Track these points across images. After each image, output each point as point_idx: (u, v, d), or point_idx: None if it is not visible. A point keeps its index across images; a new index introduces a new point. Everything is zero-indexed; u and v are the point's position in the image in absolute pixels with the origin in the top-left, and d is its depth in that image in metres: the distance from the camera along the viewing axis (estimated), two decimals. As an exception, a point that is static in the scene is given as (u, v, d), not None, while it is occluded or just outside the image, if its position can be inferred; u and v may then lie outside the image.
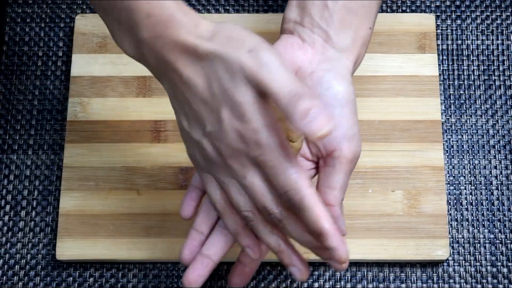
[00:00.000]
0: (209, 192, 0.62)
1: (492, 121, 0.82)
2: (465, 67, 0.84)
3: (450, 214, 0.79)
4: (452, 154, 0.81)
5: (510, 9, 0.86)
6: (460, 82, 0.83)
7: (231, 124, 0.56)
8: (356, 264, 0.77)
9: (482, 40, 0.85)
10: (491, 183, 0.80)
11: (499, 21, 0.85)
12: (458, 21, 0.85)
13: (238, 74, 0.55)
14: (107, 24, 0.60)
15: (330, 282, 0.77)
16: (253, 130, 0.56)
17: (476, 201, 0.79)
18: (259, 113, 0.56)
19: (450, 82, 0.83)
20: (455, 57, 0.84)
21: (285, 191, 0.57)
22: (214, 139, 0.58)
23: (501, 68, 0.84)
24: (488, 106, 0.82)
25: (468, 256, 0.78)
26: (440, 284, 0.77)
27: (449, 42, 0.84)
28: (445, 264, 0.77)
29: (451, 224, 0.79)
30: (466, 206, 0.79)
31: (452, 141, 0.81)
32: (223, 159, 0.58)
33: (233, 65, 0.55)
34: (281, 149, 0.57)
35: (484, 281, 0.77)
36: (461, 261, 0.78)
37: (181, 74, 0.58)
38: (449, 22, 0.85)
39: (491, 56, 0.84)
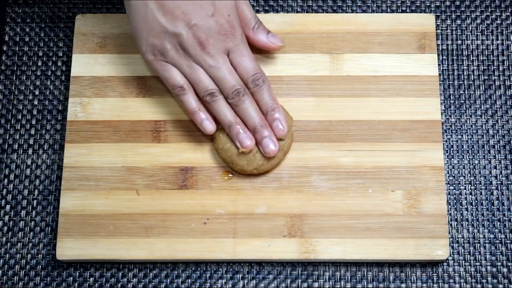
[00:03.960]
0: (171, 76, 0.76)
1: (492, 121, 0.82)
2: (465, 67, 0.84)
3: (450, 214, 0.79)
4: (452, 154, 0.81)
5: (510, 9, 0.86)
6: (460, 82, 0.83)
7: (217, 20, 0.74)
8: (356, 264, 0.78)
9: (482, 40, 0.85)
10: (491, 183, 0.80)
11: (499, 21, 0.85)
12: (458, 21, 0.85)
13: None
14: None
15: (330, 282, 0.77)
16: (233, 26, 0.75)
17: (476, 201, 0.79)
18: (236, 15, 0.77)
19: (450, 82, 0.83)
20: (455, 57, 0.84)
21: (253, 73, 0.75)
22: (197, 30, 0.74)
23: (501, 68, 0.84)
24: (488, 106, 0.82)
25: (468, 256, 0.78)
26: (440, 284, 0.77)
27: (449, 42, 0.84)
28: (445, 264, 0.78)
29: (451, 224, 0.79)
30: (466, 206, 0.79)
31: (452, 141, 0.81)
32: (202, 46, 0.74)
33: None
34: (247, 45, 0.77)
35: (484, 281, 0.77)
36: (461, 261, 0.78)
37: None
38: (449, 22, 0.85)
39: (491, 56, 0.84)
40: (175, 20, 0.74)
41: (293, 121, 0.79)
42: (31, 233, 0.79)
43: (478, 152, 0.81)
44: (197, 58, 0.75)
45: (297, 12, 0.86)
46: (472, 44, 0.84)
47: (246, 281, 0.77)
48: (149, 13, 0.74)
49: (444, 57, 0.84)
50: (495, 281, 0.77)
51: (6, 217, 0.80)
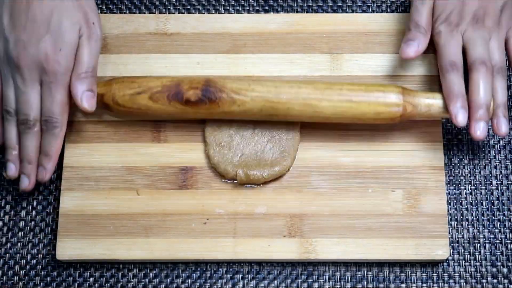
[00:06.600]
0: None
1: (492, 121, 0.82)
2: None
3: (450, 214, 0.79)
4: (452, 154, 0.81)
5: (510, 9, 0.85)
6: (460, 82, 0.83)
7: (46, 48, 0.73)
8: (356, 264, 0.78)
9: (482, 40, 0.84)
10: (491, 183, 0.80)
11: (499, 21, 0.85)
12: (458, 21, 0.85)
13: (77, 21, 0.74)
14: None
15: (330, 282, 0.77)
16: (57, 62, 0.73)
17: (476, 201, 0.79)
18: (71, 53, 0.74)
19: (450, 82, 0.83)
20: (455, 57, 0.84)
21: (48, 115, 0.74)
22: (20, 48, 0.73)
23: (501, 68, 0.83)
24: (488, 106, 0.82)
25: (468, 256, 0.78)
26: (440, 284, 0.77)
27: (449, 42, 0.84)
28: (445, 264, 0.78)
29: (451, 224, 0.79)
30: (466, 206, 0.79)
31: (452, 141, 0.81)
32: (17, 65, 0.73)
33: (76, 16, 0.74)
34: (64, 88, 0.74)
35: (484, 281, 0.77)
36: (461, 261, 0.78)
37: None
38: (449, 22, 0.85)
39: (491, 56, 0.84)
40: (14, 26, 0.73)
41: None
42: (31, 233, 0.79)
43: (478, 152, 0.81)
44: (12, 73, 0.74)
45: (297, 12, 0.86)
46: (472, 44, 0.84)
47: (246, 281, 0.77)
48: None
49: (444, 57, 0.84)
50: (495, 281, 0.77)
51: (6, 217, 0.80)
